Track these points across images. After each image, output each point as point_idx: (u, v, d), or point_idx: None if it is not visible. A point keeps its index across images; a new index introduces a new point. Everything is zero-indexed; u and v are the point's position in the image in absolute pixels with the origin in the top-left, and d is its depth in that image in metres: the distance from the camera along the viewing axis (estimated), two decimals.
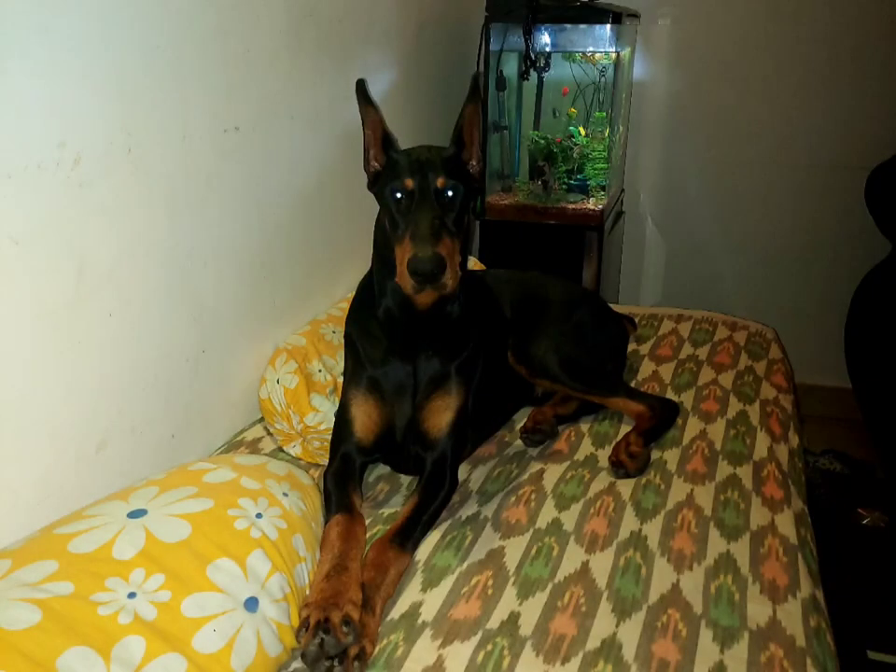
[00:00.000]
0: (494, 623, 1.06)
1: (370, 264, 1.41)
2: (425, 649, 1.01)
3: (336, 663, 0.94)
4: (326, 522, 1.20)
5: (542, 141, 2.59)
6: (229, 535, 0.99)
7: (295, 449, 1.52)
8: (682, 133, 3.07)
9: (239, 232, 1.52)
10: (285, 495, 1.12)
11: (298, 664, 0.99)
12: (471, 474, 1.47)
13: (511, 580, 1.15)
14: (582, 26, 2.45)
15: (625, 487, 1.40)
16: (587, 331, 1.70)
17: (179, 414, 1.39)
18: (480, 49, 2.45)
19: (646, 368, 1.93)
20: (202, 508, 1.01)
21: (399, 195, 1.24)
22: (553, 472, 1.46)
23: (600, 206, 2.53)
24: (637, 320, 2.15)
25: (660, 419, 1.58)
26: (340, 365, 1.61)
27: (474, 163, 1.35)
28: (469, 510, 1.34)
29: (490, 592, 1.12)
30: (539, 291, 1.75)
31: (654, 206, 3.20)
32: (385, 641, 1.02)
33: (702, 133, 3.05)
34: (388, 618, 1.07)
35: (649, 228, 3.22)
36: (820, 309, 3.04)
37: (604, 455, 1.51)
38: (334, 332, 1.72)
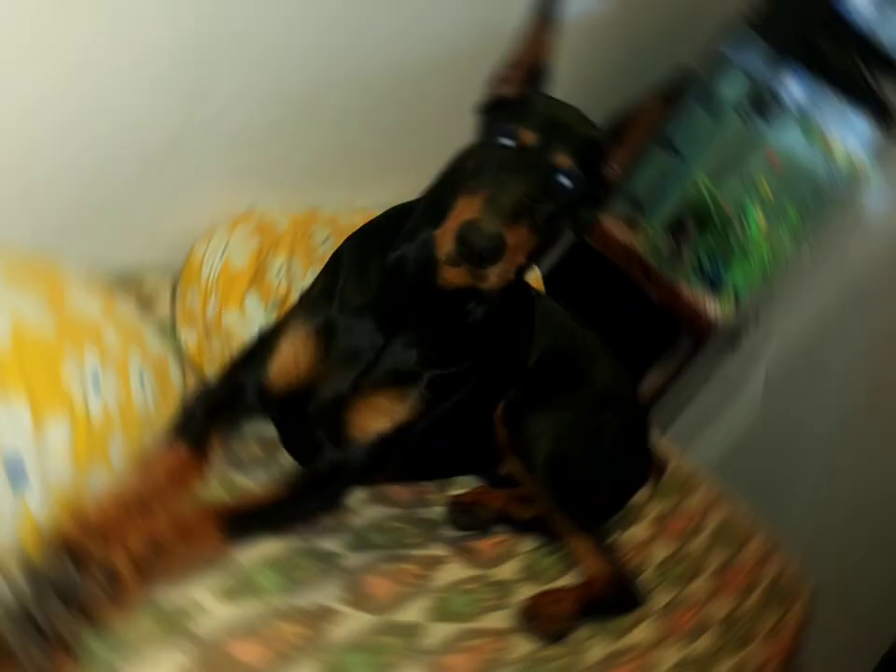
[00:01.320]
0: None
1: (418, 194, 1.41)
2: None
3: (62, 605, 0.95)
4: (166, 443, 1.21)
5: (706, 194, 2.59)
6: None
7: (189, 336, 1.53)
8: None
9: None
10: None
11: None
12: (364, 508, 1.47)
13: (324, 655, 1.15)
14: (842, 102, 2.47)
15: (524, 645, 1.40)
16: (605, 443, 1.69)
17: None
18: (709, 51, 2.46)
19: (642, 529, 1.92)
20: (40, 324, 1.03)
21: (507, 141, 1.24)
22: (452, 570, 1.47)
23: (722, 316, 2.53)
24: (668, 470, 2.15)
25: (615, 597, 1.58)
26: (306, 281, 1.61)
27: (616, 167, 1.34)
28: (331, 544, 1.35)
29: (289, 652, 1.12)
30: (584, 361, 1.75)
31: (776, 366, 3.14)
32: (134, 623, 1.02)
33: None
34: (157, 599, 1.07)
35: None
36: None
37: (525, 592, 1.52)
38: (325, 241, 1.73)
